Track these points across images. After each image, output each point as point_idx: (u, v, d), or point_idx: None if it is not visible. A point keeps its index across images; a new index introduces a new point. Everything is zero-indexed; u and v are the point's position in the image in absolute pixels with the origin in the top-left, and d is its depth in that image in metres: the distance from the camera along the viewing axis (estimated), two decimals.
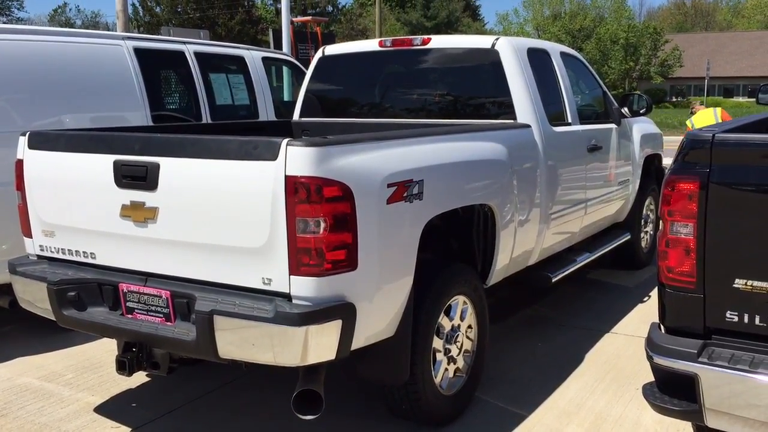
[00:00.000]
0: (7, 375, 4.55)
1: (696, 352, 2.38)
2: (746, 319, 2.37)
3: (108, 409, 4.07)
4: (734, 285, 2.36)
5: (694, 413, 2.39)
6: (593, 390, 4.27)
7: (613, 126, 5.96)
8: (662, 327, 2.61)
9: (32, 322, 5.06)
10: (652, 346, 2.50)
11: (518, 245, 4.42)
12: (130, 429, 3.81)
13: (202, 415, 3.99)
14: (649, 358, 2.52)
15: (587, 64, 6.16)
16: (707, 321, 2.44)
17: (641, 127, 6.70)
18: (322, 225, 2.91)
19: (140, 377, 4.40)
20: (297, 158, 2.91)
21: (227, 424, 3.88)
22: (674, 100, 58.77)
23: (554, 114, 5.04)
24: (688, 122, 12.19)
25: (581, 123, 5.42)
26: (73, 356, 4.86)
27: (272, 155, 2.93)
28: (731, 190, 2.36)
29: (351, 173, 3.02)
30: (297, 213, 2.90)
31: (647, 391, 2.57)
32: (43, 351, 4.93)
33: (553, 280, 4.94)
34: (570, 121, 5.26)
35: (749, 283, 2.33)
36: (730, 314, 2.39)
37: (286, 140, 2.93)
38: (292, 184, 2.90)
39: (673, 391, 2.47)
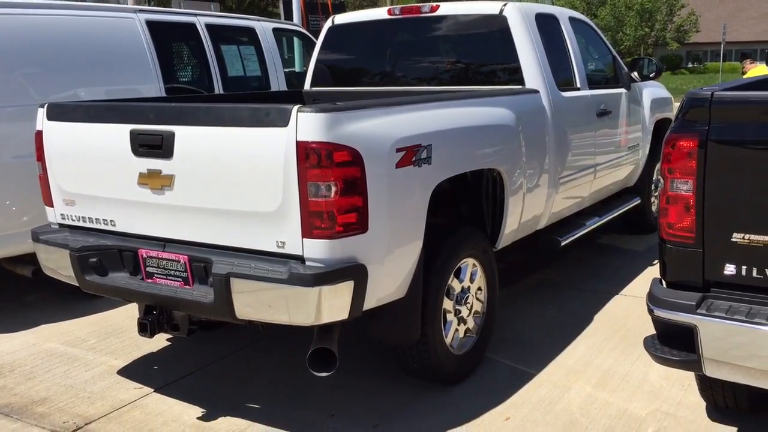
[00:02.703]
0: (32, 341, 4.71)
1: (695, 304, 2.46)
2: (744, 271, 2.44)
3: (131, 371, 4.22)
4: (732, 239, 2.44)
5: (693, 363, 2.48)
6: (601, 349, 4.37)
7: (622, 91, 5.98)
8: (663, 282, 2.69)
9: (55, 290, 5.25)
10: (653, 299, 2.59)
11: (527, 209, 4.48)
12: (152, 389, 3.96)
13: (221, 376, 4.13)
14: (650, 312, 2.61)
15: (596, 29, 6.16)
16: (706, 274, 2.52)
17: (651, 91, 6.70)
18: (333, 189, 3.00)
19: (161, 342, 4.56)
20: (307, 124, 2.99)
21: (245, 383, 4.02)
22: (690, 66, 58.04)
23: (563, 79, 5.08)
24: None
25: (590, 88, 5.44)
26: (96, 323, 5.01)
27: (283, 122, 3.02)
28: (729, 147, 2.43)
29: (360, 138, 3.11)
30: (308, 177, 3.00)
31: (648, 342, 2.66)
32: (67, 318, 5.08)
33: (563, 244, 5.02)
34: (579, 86, 5.29)
35: (747, 236, 2.40)
36: (729, 267, 2.46)
37: (296, 107, 3.02)
38: (304, 150, 2.98)
39: (673, 342, 2.56)
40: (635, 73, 6.16)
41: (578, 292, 5.46)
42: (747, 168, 2.43)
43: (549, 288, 5.57)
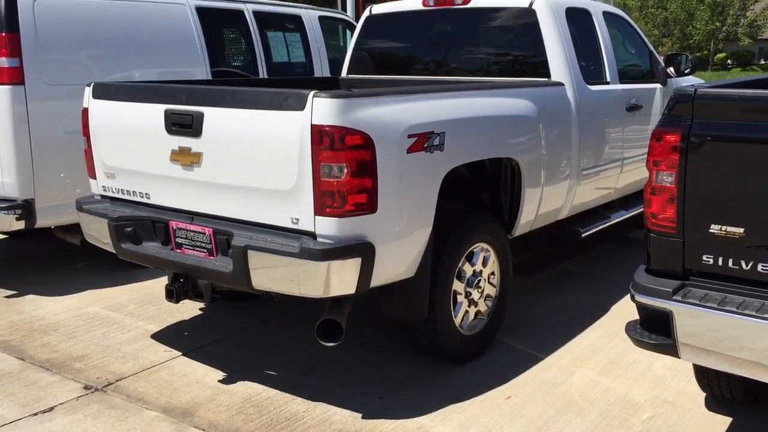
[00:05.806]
0: (77, 304, 5.07)
1: (672, 291, 2.57)
2: (720, 261, 2.54)
3: (163, 336, 4.52)
4: (710, 230, 2.53)
5: (669, 347, 2.59)
6: (612, 338, 4.46)
7: (657, 86, 5.99)
8: (648, 270, 2.80)
9: (101, 259, 5.59)
10: (635, 285, 2.71)
11: (546, 199, 4.59)
12: (180, 353, 4.25)
13: (244, 345, 4.40)
14: (632, 297, 2.73)
15: (633, 24, 6.17)
16: (686, 263, 2.62)
17: None
18: (345, 170, 3.20)
19: (193, 311, 4.86)
20: (322, 109, 3.19)
21: (265, 353, 4.27)
22: (763, 62, 56.04)
23: (591, 73, 5.14)
24: None
25: (622, 82, 5.49)
26: (137, 291, 5.35)
27: (300, 106, 3.23)
28: (709, 142, 2.52)
29: (372, 123, 3.29)
30: (322, 159, 3.20)
31: (630, 327, 2.78)
32: (110, 285, 5.44)
33: (583, 235, 5.10)
34: (609, 80, 5.34)
35: (723, 228, 2.50)
36: (706, 257, 2.56)
37: (312, 92, 3.22)
38: (318, 133, 3.19)
39: (653, 327, 2.67)
40: (671, 69, 6.16)
41: (600, 283, 5.53)
42: (725, 162, 2.52)
43: (572, 278, 5.66)
